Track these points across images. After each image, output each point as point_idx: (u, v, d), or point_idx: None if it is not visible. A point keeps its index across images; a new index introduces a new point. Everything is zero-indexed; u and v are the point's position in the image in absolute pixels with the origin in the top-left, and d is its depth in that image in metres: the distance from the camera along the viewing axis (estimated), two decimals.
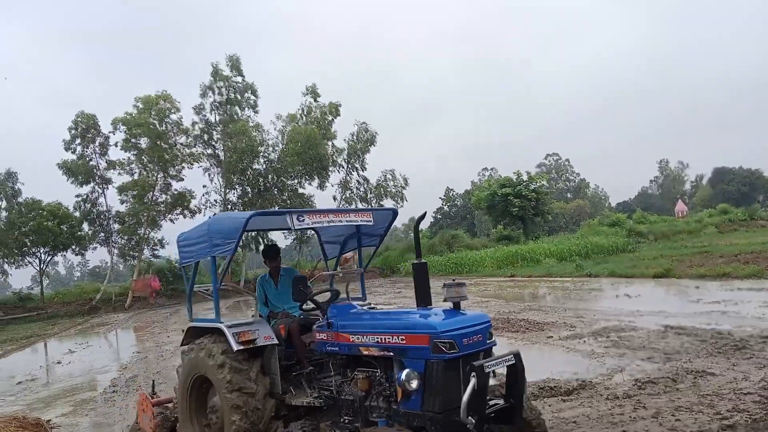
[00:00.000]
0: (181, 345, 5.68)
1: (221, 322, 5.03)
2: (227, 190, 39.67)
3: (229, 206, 39.63)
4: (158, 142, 35.98)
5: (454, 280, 4.45)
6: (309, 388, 5.05)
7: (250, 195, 39.27)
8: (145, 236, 37.91)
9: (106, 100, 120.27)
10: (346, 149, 42.55)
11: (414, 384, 3.94)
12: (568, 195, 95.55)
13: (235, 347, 4.77)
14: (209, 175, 40.05)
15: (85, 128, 36.46)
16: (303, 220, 4.81)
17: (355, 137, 42.69)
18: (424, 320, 4.23)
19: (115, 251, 38.60)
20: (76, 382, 11.86)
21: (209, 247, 5.17)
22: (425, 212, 5.56)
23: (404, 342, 4.14)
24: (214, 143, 40.04)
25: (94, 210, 37.93)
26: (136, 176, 37.33)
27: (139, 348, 16.36)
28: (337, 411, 4.70)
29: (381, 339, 4.31)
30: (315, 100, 41.31)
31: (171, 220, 39.08)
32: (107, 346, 19.04)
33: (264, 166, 39.68)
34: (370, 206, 44.55)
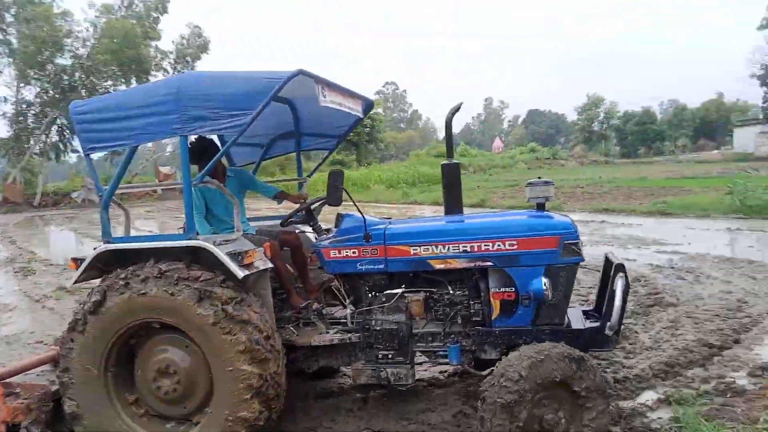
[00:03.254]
0: (78, 281, 3.77)
1: (197, 238, 3.46)
2: (22, 85, 33.71)
3: (24, 105, 33.89)
4: None
5: (539, 177, 3.84)
6: (320, 322, 4.04)
7: (51, 93, 33.83)
8: None
9: None
10: (174, 53, 38.46)
11: (551, 294, 3.45)
12: (401, 125, 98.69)
13: (240, 273, 3.35)
14: None
15: None
16: (326, 96, 3.56)
17: (186, 41, 38.65)
18: (547, 220, 3.64)
19: None
20: None
21: (179, 121, 3.39)
22: (461, 102, 4.38)
23: (516, 247, 3.51)
24: (5, 27, 33.36)
25: None
26: None
27: None
28: (357, 348, 3.81)
29: (473, 247, 3.58)
30: None
31: None
32: None
33: (71, 62, 34.25)
34: None
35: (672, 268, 8.46)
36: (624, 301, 3.40)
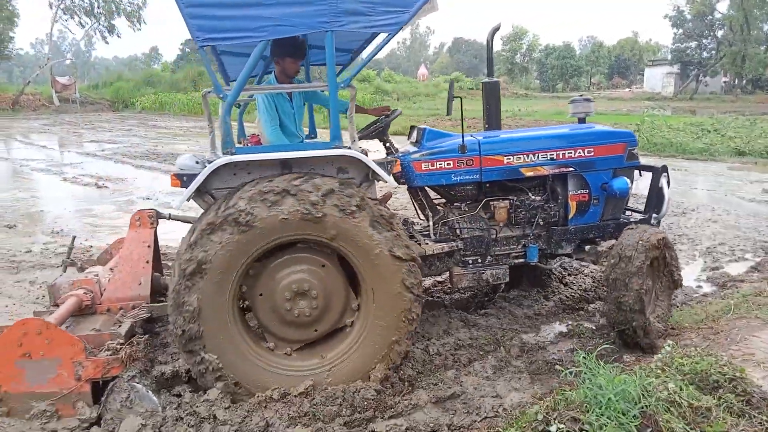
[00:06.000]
0: (188, 199, 3.20)
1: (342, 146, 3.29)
2: None
3: None
4: None
5: (581, 95, 4.44)
6: (418, 234, 4.11)
7: None
8: None
9: None
10: None
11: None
12: None
13: (394, 183, 3.62)
14: None
15: None
16: None
17: None
18: (615, 129, 4.40)
19: None
20: None
21: (329, 13, 3.03)
22: (500, 23, 4.77)
23: (592, 154, 4.12)
24: None
25: None
26: None
27: None
28: (436, 258, 3.95)
29: (558, 155, 4.08)
30: None
31: None
32: None
33: None
34: (100, 23, 37.65)
35: None
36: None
